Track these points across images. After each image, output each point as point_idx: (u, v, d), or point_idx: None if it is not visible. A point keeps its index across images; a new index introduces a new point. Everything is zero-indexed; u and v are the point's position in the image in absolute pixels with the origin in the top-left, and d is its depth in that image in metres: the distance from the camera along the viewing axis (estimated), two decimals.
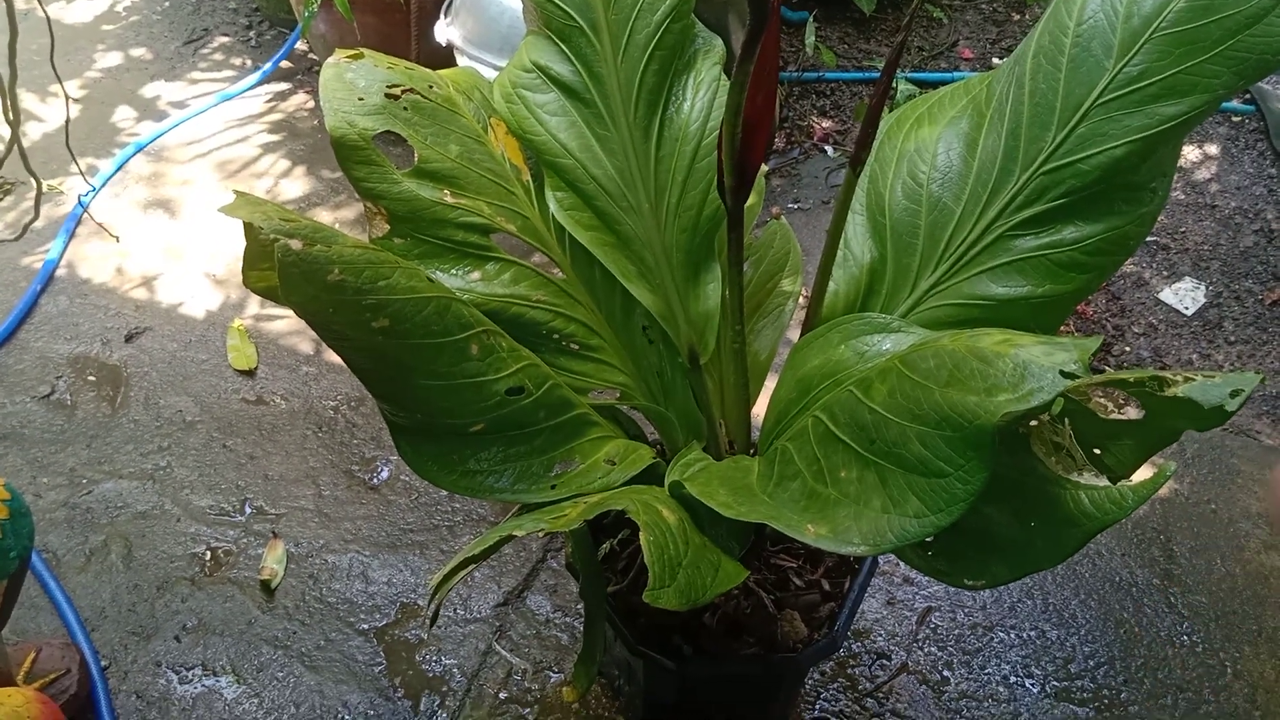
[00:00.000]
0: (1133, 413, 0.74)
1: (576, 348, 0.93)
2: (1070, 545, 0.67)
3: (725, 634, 0.96)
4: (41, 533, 1.28)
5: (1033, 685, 1.20)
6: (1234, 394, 0.65)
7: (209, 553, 1.29)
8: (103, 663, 1.15)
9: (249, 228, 0.62)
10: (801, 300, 1.02)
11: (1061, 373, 0.54)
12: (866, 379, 0.66)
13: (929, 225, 0.85)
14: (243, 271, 0.70)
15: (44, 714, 0.73)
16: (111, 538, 1.29)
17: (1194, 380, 0.67)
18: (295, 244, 0.60)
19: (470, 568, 0.68)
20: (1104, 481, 0.67)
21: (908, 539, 0.59)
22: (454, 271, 0.88)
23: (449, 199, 0.87)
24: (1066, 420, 0.71)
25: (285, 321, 1.63)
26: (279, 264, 0.60)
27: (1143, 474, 0.67)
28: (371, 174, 0.86)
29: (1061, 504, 0.68)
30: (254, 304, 1.66)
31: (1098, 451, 0.77)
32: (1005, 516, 0.71)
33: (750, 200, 1.01)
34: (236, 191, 0.64)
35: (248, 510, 1.34)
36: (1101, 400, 0.75)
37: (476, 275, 0.89)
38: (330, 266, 0.62)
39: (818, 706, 1.15)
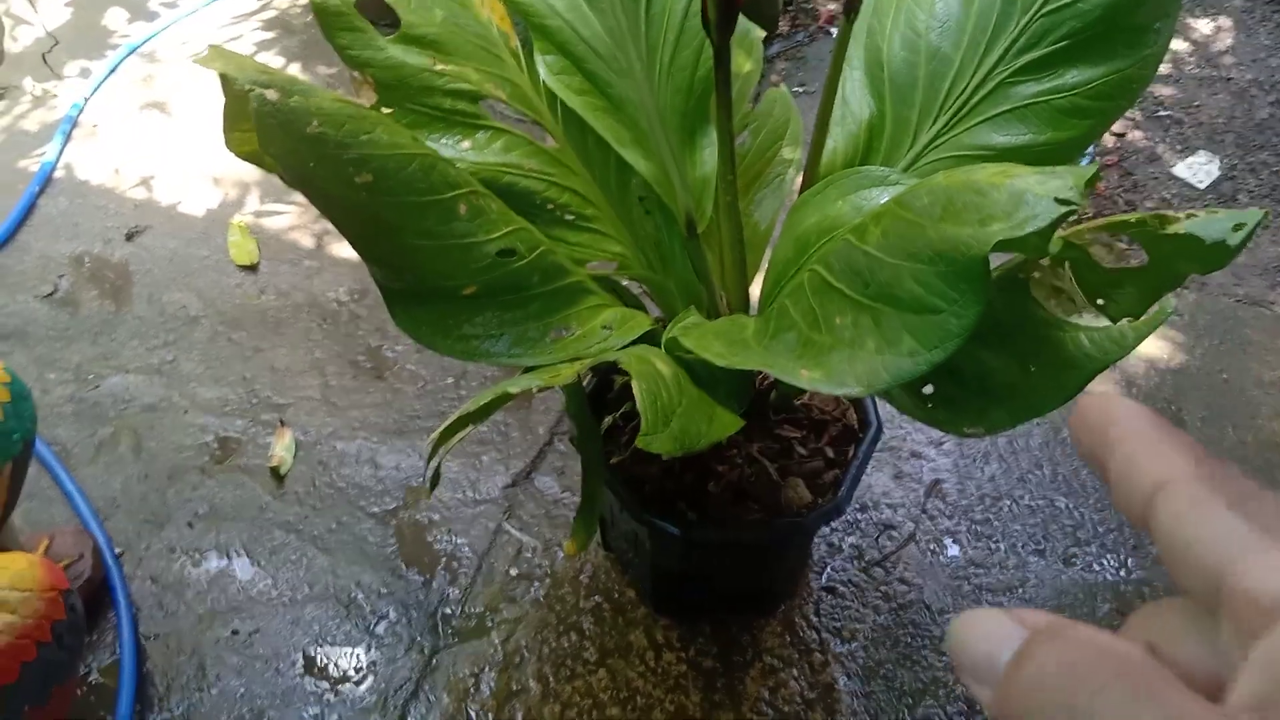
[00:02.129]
0: (1134, 261, 0.73)
1: (572, 218, 0.92)
2: (1071, 387, 0.67)
3: (730, 501, 0.96)
4: (50, 427, 1.29)
5: (1042, 553, 1.20)
6: (1236, 228, 0.64)
7: (218, 442, 1.30)
8: (116, 550, 1.17)
9: (225, 79, 0.61)
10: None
11: (1057, 199, 0.53)
12: (862, 225, 0.65)
13: (928, 76, 0.83)
14: (224, 132, 0.69)
15: (48, 578, 0.73)
16: (120, 430, 1.30)
17: (1197, 216, 0.66)
18: (271, 94, 0.59)
19: (468, 427, 0.68)
20: (1104, 322, 0.66)
21: (902, 378, 0.58)
22: (444, 140, 0.87)
23: (436, 65, 0.86)
24: (1067, 264, 0.70)
25: (286, 217, 1.62)
26: (255, 115, 0.59)
27: None
28: (355, 40, 0.84)
29: (1062, 346, 0.68)
30: (253, 200, 1.65)
31: (1101, 302, 0.76)
32: (1004, 362, 0.70)
33: (747, 67, 1.00)
34: (211, 45, 0.63)
35: (255, 401, 1.34)
36: (1103, 249, 0.74)
37: (467, 144, 0.87)
38: (309, 118, 0.60)
39: (825, 576, 1.16)
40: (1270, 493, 0.24)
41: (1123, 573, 1.18)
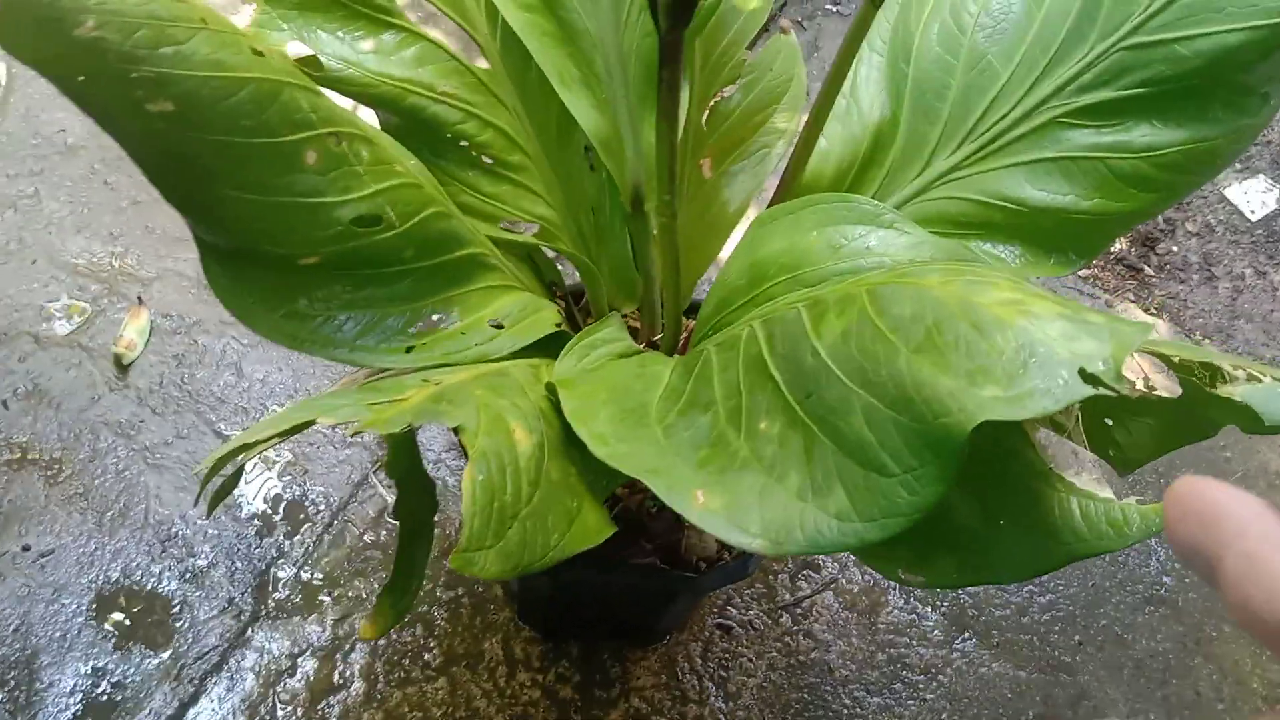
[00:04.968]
0: (1163, 388, 0.59)
1: (490, 162, 0.76)
2: (1045, 563, 0.53)
3: (622, 533, 0.83)
4: None
5: (974, 631, 1.08)
6: None
7: (63, 308, 1.14)
8: None
9: None
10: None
11: (1083, 373, 0.38)
12: (821, 302, 0.50)
13: (963, 88, 0.67)
14: None
15: None
16: None
17: (1260, 381, 0.52)
18: None
19: (254, 450, 0.53)
20: (1108, 492, 0.52)
21: (820, 545, 0.44)
22: (339, 34, 0.70)
23: None
24: None
25: None
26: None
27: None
28: None
29: (1046, 506, 0.54)
30: None
31: (1109, 421, 0.62)
32: (968, 505, 0.56)
33: (753, 4, 0.83)
34: None
35: (116, 264, 1.18)
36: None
37: (369, 45, 0.71)
38: (82, 17, 0.44)
39: (725, 613, 1.04)
40: None
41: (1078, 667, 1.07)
